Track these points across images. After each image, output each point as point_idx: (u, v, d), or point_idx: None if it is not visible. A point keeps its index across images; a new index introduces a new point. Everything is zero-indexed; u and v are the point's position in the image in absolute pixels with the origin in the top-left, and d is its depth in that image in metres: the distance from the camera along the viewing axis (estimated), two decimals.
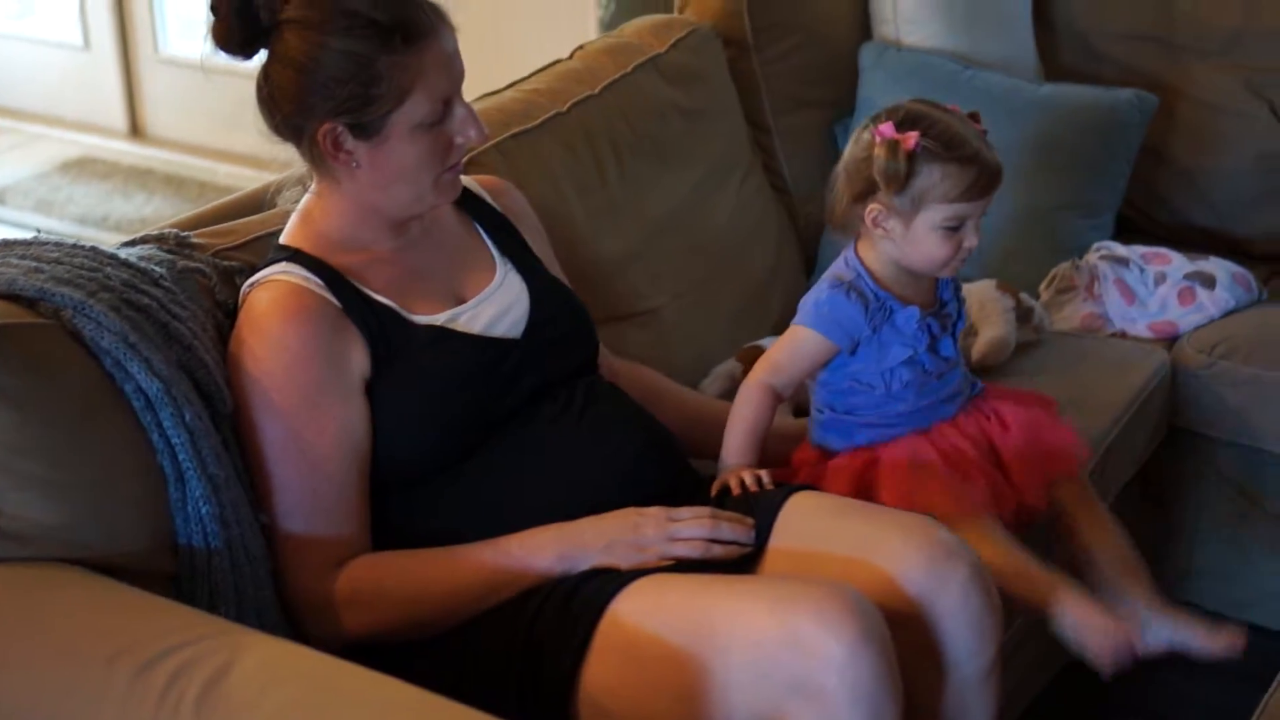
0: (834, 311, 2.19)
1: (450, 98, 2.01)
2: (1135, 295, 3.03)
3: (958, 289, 2.31)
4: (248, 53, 2.01)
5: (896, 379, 2.22)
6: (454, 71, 2.02)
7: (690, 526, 1.98)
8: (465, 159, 2.46)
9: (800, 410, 2.41)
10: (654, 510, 2.00)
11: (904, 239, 2.17)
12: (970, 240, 2.17)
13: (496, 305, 2.14)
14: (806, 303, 2.23)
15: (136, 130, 5.82)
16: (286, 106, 1.99)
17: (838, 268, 2.24)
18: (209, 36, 2.01)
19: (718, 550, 1.98)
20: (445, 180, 2.06)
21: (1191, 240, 3.27)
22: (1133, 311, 3.02)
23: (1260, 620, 2.86)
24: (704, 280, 2.87)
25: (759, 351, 2.71)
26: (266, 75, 2.00)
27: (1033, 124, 3.19)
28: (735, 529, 2.01)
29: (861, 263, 2.22)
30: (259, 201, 2.34)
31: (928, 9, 3.29)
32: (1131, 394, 2.78)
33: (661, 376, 2.44)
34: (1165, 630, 2.14)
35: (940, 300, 2.28)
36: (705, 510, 2.01)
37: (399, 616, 1.98)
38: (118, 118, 5.81)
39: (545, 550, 1.98)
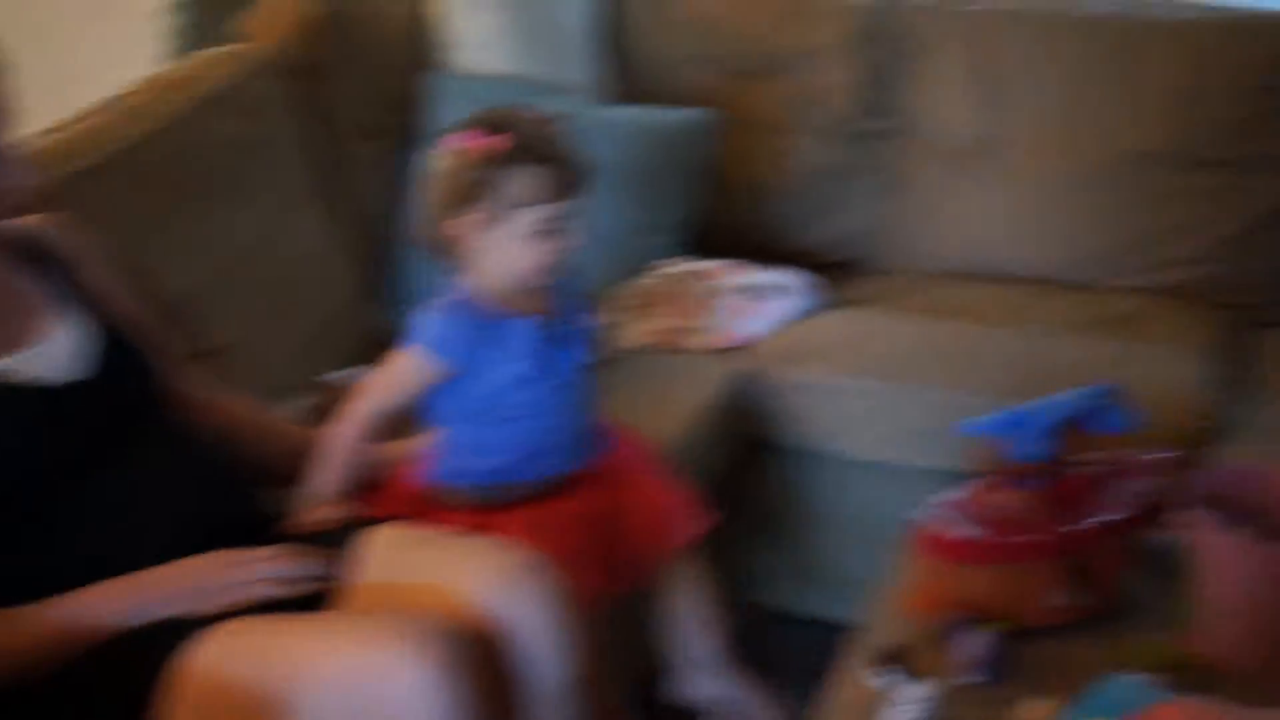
0: (442, 329, 2.17)
1: None
2: (699, 309, 3.12)
3: (587, 297, 2.31)
4: None
5: (510, 399, 2.20)
6: None
7: (274, 566, 1.96)
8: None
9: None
10: (221, 554, 1.96)
11: (500, 249, 2.15)
12: (567, 240, 2.16)
13: (53, 351, 2.05)
14: (414, 324, 2.20)
15: None
16: None
17: (445, 289, 2.22)
18: None
19: (272, 589, 1.95)
20: None
21: (755, 252, 3.37)
22: (696, 324, 3.10)
23: (823, 613, 2.99)
24: (275, 314, 2.86)
25: (331, 389, 2.70)
26: None
27: (601, 145, 3.21)
28: (296, 564, 1.99)
29: (465, 280, 2.20)
30: None
31: (488, 35, 3.35)
32: (702, 405, 2.89)
33: (262, 408, 2.40)
34: (721, 687, 2.28)
35: (562, 308, 2.25)
36: (284, 548, 1.99)
37: None
38: None
39: (112, 602, 1.91)
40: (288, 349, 2.85)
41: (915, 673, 1.98)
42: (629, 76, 3.60)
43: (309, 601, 1.99)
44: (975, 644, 1.99)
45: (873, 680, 1.99)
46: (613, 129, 3.29)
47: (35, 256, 2.16)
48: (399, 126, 3.32)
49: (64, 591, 1.93)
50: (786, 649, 2.68)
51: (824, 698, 2.03)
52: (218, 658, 1.83)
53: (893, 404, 2.95)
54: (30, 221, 2.21)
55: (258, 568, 1.95)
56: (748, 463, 3.05)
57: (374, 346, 3.03)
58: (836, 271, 3.45)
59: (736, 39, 3.54)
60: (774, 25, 3.51)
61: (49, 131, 2.69)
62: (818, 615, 2.59)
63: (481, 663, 1.87)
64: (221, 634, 1.86)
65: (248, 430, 2.29)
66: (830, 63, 3.48)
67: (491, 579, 1.97)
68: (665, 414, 2.80)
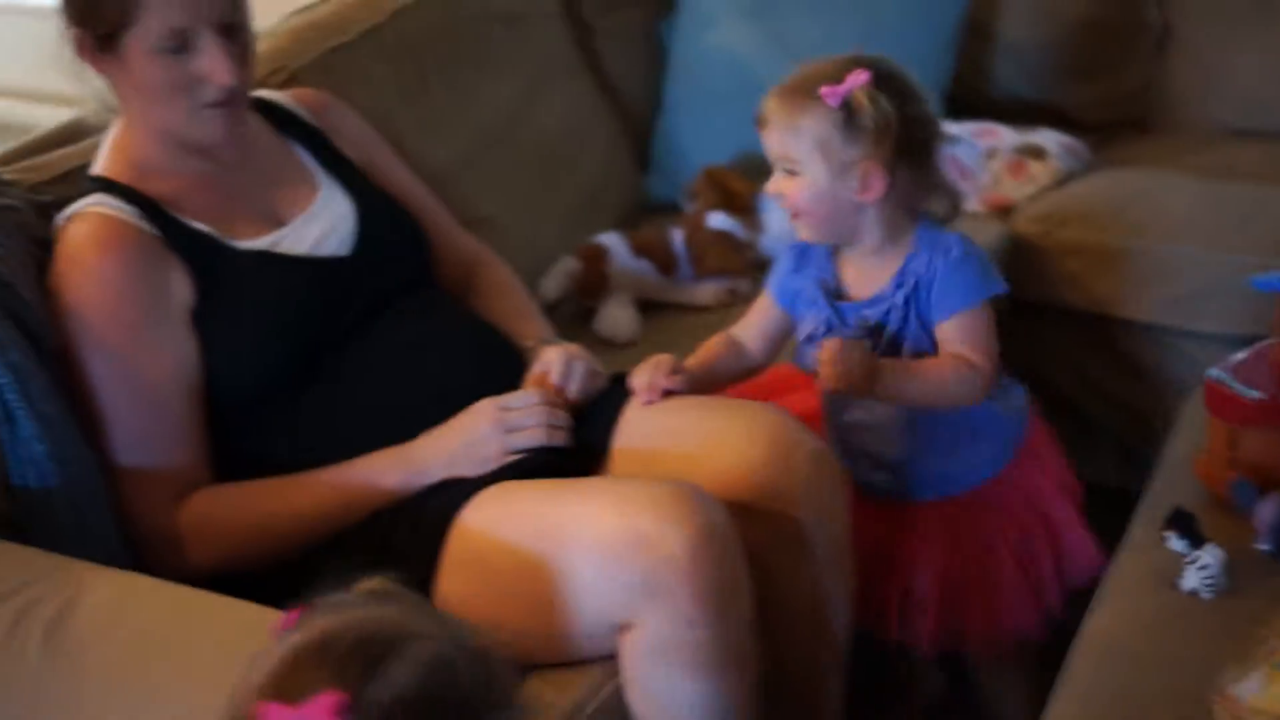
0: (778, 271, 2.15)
1: (193, 30, 1.93)
2: (967, 170, 3.05)
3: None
4: None
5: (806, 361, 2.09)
6: (194, 6, 1.92)
7: (524, 416, 1.96)
8: (284, 79, 2.42)
9: None
10: (485, 407, 1.96)
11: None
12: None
13: (321, 224, 2.10)
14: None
15: None
16: (63, 8, 1.95)
17: None
18: None
19: (557, 437, 1.96)
20: (205, 116, 1.98)
21: (1020, 113, 3.29)
22: (965, 186, 3.04)
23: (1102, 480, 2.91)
24: (537, 183, 2.86)
25: (598, 248, 2.71)
26: None
27: (858, 8, 3.19)
28: (562, 415, 1.99)
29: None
30: (70, 135, 2.28)
31: None
32: None
33: (511, 288, 2.36)
34: None
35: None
36: (534, 396, 1.98)
37: (247, 546, 1.95)
38: None
39: (390, 470, 1.95)
40: (550, 218, 2.85)
41: (1207, 537, 1.89)
42: None
43: (574, 468, 1.99)
44: (1266, 509, 1.90)
45: (1166, 544, 1.91)
46: None
47: (296, 132, 2.20)
48: None
49: (339, 458, 1.97)
50: None
51: (1115, 563, 1.96)
52: (487, 521, 1.85)
53: (1173, 267, 2.85)
54: (290, 97, 2.24)
55: (512, 417, 1.95)
56: (1018, 326, 2.95)
57: (636, 214, 3.04)
58: (1106, 132, 3.33)
59: None
60: None
61: (301, 11, 2.71)
62: (1096, 481, 2.52)
63: (744, 531, 1.84)
64: (490, 498, 1.88)
65: (503, 301, 2.29)
66: None
67: (759, 443, 1.94)
68: None
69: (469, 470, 1.94)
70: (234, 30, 1.96)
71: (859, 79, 1.96)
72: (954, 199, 2.09)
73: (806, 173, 2.01)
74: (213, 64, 1.94)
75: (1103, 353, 2.99)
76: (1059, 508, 2.18)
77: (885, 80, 1.97)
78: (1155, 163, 3.16)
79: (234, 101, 1.99)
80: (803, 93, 1.99)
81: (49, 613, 1.61)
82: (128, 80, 1.96)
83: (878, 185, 1.99)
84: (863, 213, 2.02)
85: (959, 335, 2.03)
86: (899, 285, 2.04)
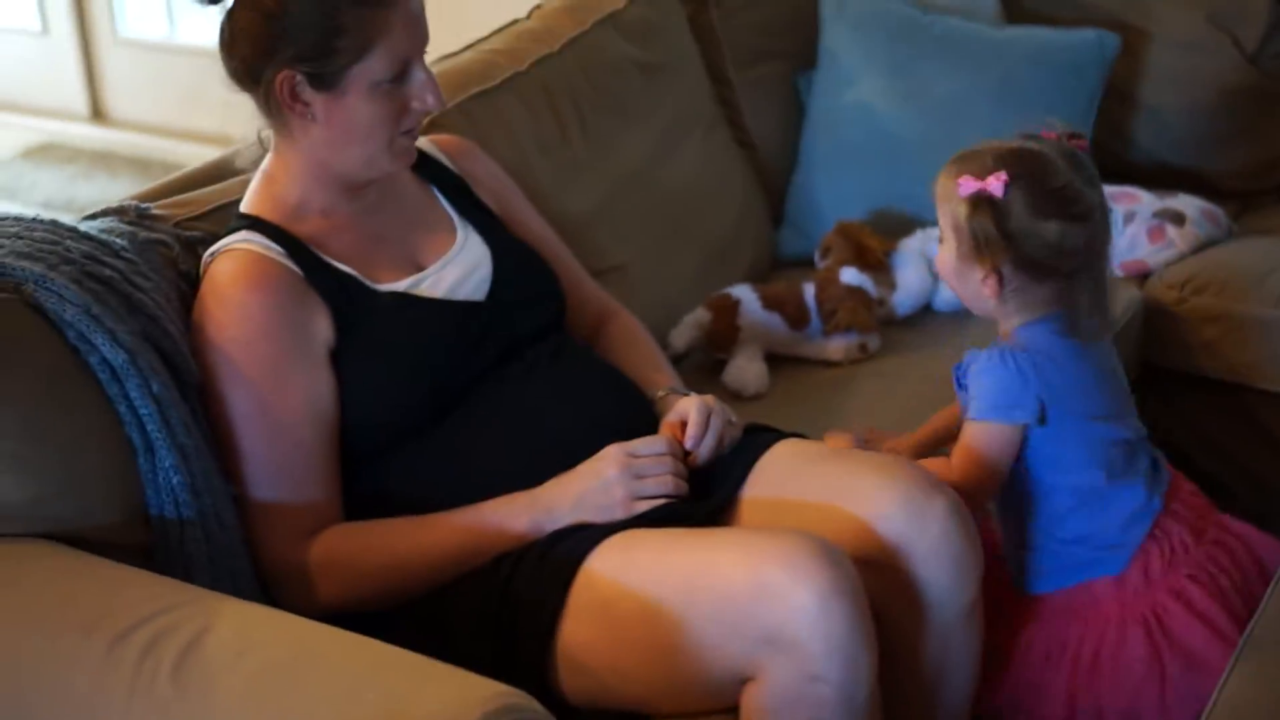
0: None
1: (411, 60, 2.00)
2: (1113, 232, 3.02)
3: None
4: None
5: None
6: (418, 34, 2.00)
7: (652, 464, 1.96)
8: (424, 124, 2.45)
9: None
10: (613, 453, 1.96)
11: None
12: None
13: (459, 269, 2.13)
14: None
15: (98, 113, 5.78)
16: (247, 50, 1.97)
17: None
18: None
19: (681, 486, 1.97)
20: (399, 145, 2.04)
21: (1159, 178, 3.26)
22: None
23: None
24: (670, 234, 2.86)
25: (728, 299, 2.71)
26: (231, 17, 1.99)
27: (996, 68, 3.18)
28: (684, 465, 2.00)
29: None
30: (218, 172, 2.33)
31: None
32: None
33: (641, 338, 2.37)
34: None
35: None
36: (662, 444, 1.98)
37: (374, 585, 1.97)
38: (79, 102, 5.77)
39: (519, 514, 1.96)
40: (682, 269, 2.86)
41: None
42: None
43: (705, 516, 1.99)
44: None
45: None
46: (1009, 50, 3.20)
47: (437, 177, 2.23)
48: (792, 51, 3.29)
49: (467, 501, 1.99)
50: None
51: (1249, 634, 1.93)
52: (613, 568, 1.86)
53: None
54: (431, 143, 2.28)
55: (640, 464, 1.96)
56: (1151, 393, 2.92)
57: (767, 267, 3.05)
58: (1247, 200, 3.29)
59: None
60: None
61: (444, 58, 2.75)
62: None
63: (872, 588, 1.84)
64: (617, 545, 1.89)
65: (632, 351, 2.30)
66: None
67: (893, 498, 1.93)
68: None
69: (595, 516, 1.94)
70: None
71: (993, 183, 1.99)
72: (1099, 322, 2.09)
73: (946, 245, 2.07)
74: (425, 90, 2.02)
75: (1237, 423, 2.94)
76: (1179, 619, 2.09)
77: (1029, 188, 1.99)
78: None
79: (418, 130, 2.07)
80: (957, 170, 2.04)
81: (179, 642, 1.63)
82: (332, 118, 1.99)
83: (993, 287, 2.03)
84: (990, 302, 2.07)
85: (961, 440, 2.09)
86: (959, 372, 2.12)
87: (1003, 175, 1.99)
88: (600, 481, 1.95)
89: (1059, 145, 2.07)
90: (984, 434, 2.06)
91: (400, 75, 1.99)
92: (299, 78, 1.96)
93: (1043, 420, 2.04)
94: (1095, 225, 2.05)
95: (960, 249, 2.04)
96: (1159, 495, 2.13)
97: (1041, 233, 2.00)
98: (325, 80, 1.96)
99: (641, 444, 1.98)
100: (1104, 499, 2.09)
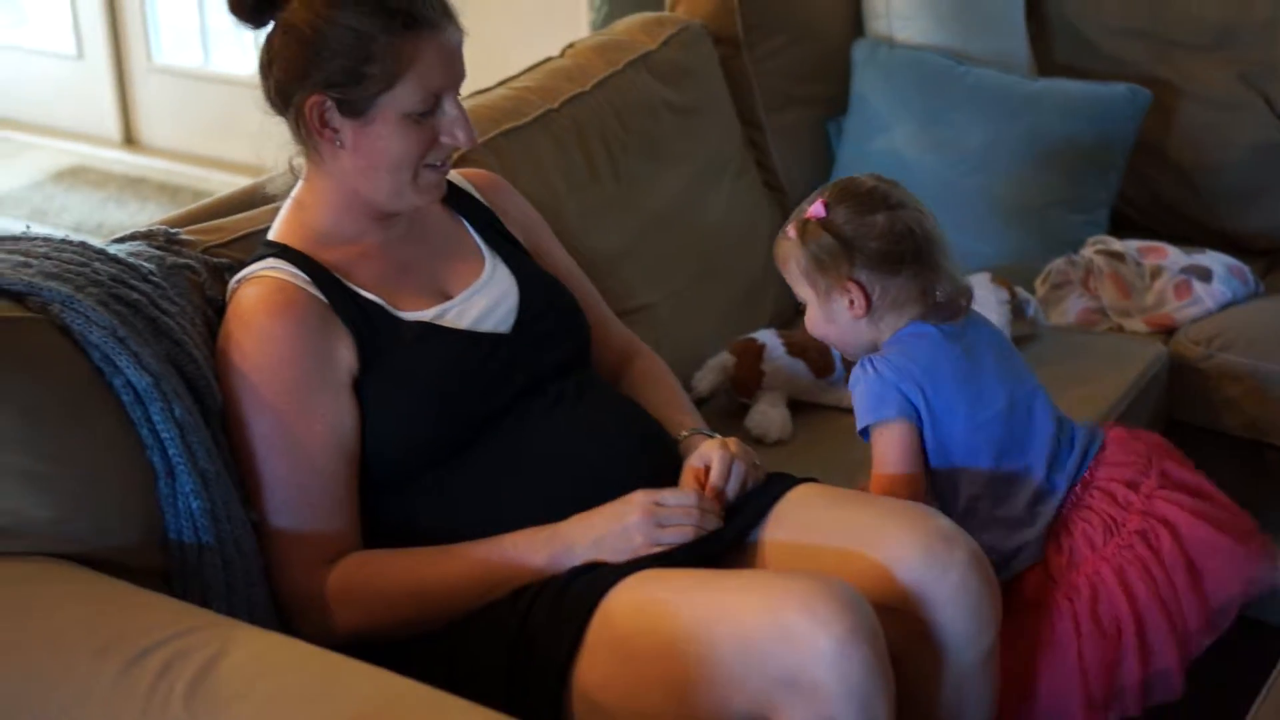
0: None
1: (442, 94, 2.01)
2: (1131, 289, 3.02)
3: None
4: (258, 20, 2.02)
5: None
6: (451, 69, 2.01)
7: (677, 514, 1.96)
8: (454, 159, 2.46)
9: None
10: (639, 499, 1.97)
11: None
12: None
13: (485, 300, 2.14)
14: None
15: (130, 139, 5.81)
16: (281, 73, 1.99)
17: None
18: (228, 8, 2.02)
19: (709, 525, 1.97)
20: (426, 178, 2.05)
21: (1187, 234, 3.27)
22: (1129, 305, 3.01)
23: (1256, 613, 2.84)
24: (697, 276, 2.87)
25: (753, 344, 2.71)
26: (270, 42, 2.01)
27: (1027, 119, 3.19)
28: (713, 520, 1.99)
29: None
30: (248, 199, 2.34)
31: (920, 5, 3.28)
32: (1128, 386, 2.77)
33: (664, 379, 2.37)
34: None
35: None
36: (690, 498, 1.98)
37: (391, 614, 1.97)
38: (111, 127, 5.81)
39: (538, 548, 1.96)
40: (708, 312, 2.86)
41: None
42: (1050, 48, 3.49)
43: (724, 558, 1.99)
44: None
45: None
46: (1041, 102, 3.21)
47: (467, 209, 2.24)
48: (824, 96, 3.30)
49: (486, 534, 1.99)
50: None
51: (1264, 697, 1.92)
52: (632, 607, 1.86)
53: None
54: (462, 175, 2.29)
55: (663, 514, 1.96)
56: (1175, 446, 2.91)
57: (792, 313, 3.05)
58: (1274, 258, 3.30)
59: (1170, 11, 3.37)
60: None
61: (477, 94, 2.76)
62: (1244, 614, 2.47)
63: (889, 633, 1.83)
64: (636, 583, 1.89)
65: (656, 391, 2.30)
66: (1274, 37, 3.29)
67: (913, 544, 1.92)
68: (1092, 393, 2.72)
69: (613, 557, 1.94)
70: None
71: (813, 208, 2.14)
72: (956, 295, 2.16)
73: (809, 304, 2.19)
74: (455, 125, 2.03)
75: (1260, 480, 2.93)
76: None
77: (844, 200, 2.13)
78: None
79: (446, 165, 2.08)
80: (783, 232, 2.18)
81: (194, 667, 1.63)
82: (360, 145, 2.01)
83: (861, 301, 2.12)
84: (867, 326, 2.15)
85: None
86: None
87: (818, 199, 2.14)
88: (621, 525, 1.95)
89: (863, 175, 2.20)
90: (875, 442, 2.15)
91: (431, 108, 2.00)
92: (329, 103, 1.98)
93: (919, 415, 2.12)
94: (916, 211, 2.14)
95: (817, 289, 2.15)
96: (1061, 476, 2.17)
97: (872, 225, 2.11)
98: (354, 107, 1.98)
99: (670, 494, 1.98)
100: (1001, 481, 2.15)
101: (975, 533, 2.00)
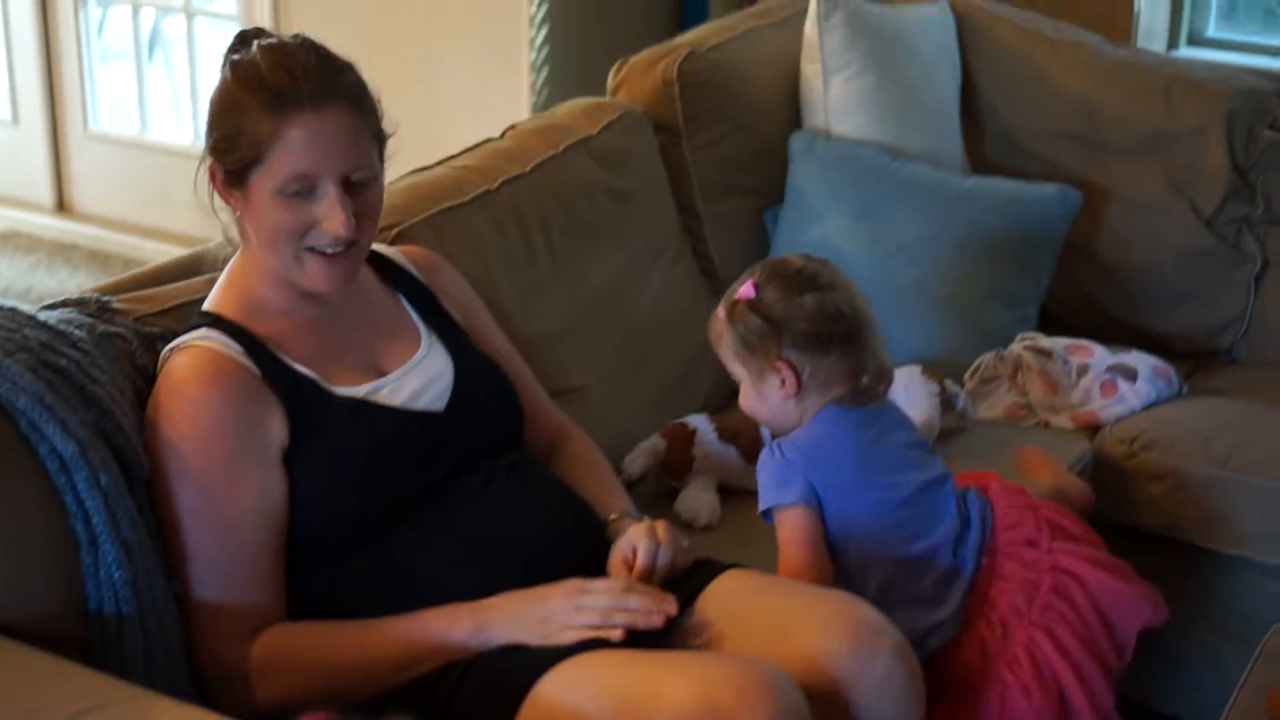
0: None
1: (315, 178, 1.97)
2: (1058, 386, 3.05)
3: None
4: None
5: None
6: (325, 153, 1.96)
7: (598, 598, 1.95)
8: (394, 235, 2.47)
9: None
10: (568, 584, 1.96)
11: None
12: None
13: (419, 378, 2.13)
14: None
15: (63, 205, 5.77)
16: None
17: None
18: None
19: (620, 618, 1.92)
20: (311, 264, 2.01)
21: (1113, 334, 3.30)
22: (1055, 402, 3.04)
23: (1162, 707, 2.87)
24: (631, 359, 2.87)
25: (684, 429, 2.72)
26: None
27: (959, 216, 3.22)
28: (646, 600, 1.95)
29: None
30: (183, 269, 2.33)
31: (858, 100, 3.32)
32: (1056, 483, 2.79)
33: (595, 461, 2.38)
34: None
35: None
36: (619, 583, 1.98)
37: (313, 687, 1.95)
38: (44, 193, 5.76)
39: (460, 625, 1.95)
40: (640, 395, 2.86)
41: None
42: (983, 148, 3.54)
43: (656, 640, 1.97)
44: None
45: None
46: (973, 200, 3.25)
47: (405, 286, 2.24)
48: (761, 187, 3.32)
49: (415, 608, 1.98)
50: None
51: None
52: (563, 689, 1.86)
53: (1257, 501, 2.83)
54: (399, 253, 2.29)
55: (604, 602, 1.94)
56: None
57: (725, 398, 3.06)
58: (1199, 360, 3.33)
59: (1102, 116, 3.43)
60: (1143, 103, 3.40)
61: (416, 171, 2.77)
62: (1163, 710, 2.49)
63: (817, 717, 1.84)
64: (569, 667, 1.88)
65: (587, 473, 2.30)
66: (1203, 145, 3.35)
67: (841, 634, 1.93)
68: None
69: (530, 639, 1.93)
70: (358, 186, 2.01)
71: (743, 290, 2.18)
72: (879, 379, 2.20)
73: (741, 382, 2.23)
74: (329, 214, 1.98)
75: (1180, 580, 2.95)
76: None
77: (773, 280, 2.18)
78: (1246, 395, 3.14)
79: (346, 254, 2.03)
80: (715, 312, 2.23)
81: None
82: (250, 217, 2.02)
83: (791, 381, 2.16)
84: (795, 405, 2.19)
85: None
86: None
87: (748, 280, 2.17)
88: (543, 607, 1.94)
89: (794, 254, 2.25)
90: (778, 525, 2.18)
91: (305, 190, 1.97)
92: (216, 168, 2.00)
93: (819, 501, 2.16)
94: (846, 292, 2.18)
95: (749, 369, 2.20)
96: (967, 553, 2.21)
97: (801, 306, 2.15)
98: (234, 177, 1.99)
99: (600, 583, 1.97)
100: (909, 565, 2.19)
101: (889, 613, 2.02)
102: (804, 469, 2.16)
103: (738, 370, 2.22)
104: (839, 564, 2.18)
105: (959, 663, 2.17)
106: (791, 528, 2.16)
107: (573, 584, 1.97)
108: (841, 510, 2.17)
